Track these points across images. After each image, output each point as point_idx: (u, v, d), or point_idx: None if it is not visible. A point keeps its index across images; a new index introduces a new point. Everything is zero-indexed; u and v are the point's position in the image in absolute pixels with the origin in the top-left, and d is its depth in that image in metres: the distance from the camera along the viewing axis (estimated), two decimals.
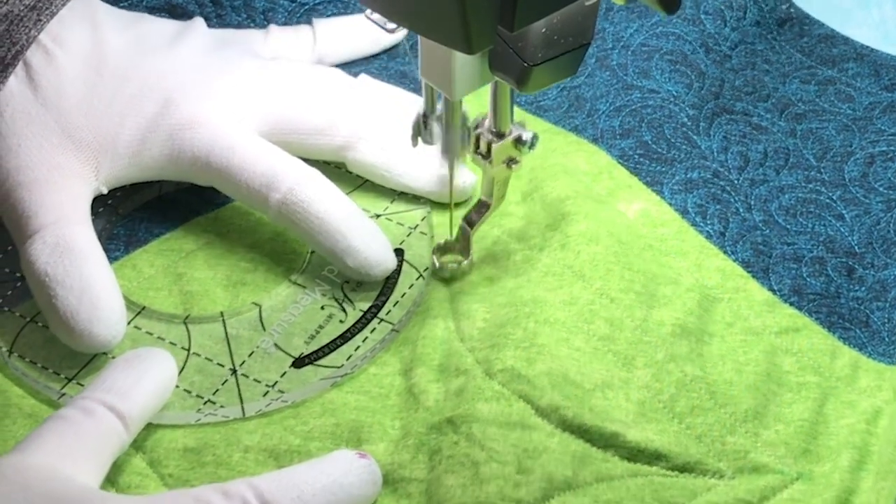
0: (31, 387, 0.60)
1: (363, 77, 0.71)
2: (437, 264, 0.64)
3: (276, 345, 0.61)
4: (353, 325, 0.62)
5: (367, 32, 0.75)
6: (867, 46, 0.78)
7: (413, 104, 0.68)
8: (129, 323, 0.61)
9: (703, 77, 0.75)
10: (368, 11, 0.55)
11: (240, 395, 0.59)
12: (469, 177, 0.66)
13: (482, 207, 0.63)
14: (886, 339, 0.63)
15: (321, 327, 0.62)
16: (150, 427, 0.58)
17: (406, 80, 0.73)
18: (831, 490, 0.56)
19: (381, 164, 0.67)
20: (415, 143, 0.61)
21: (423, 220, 0.66)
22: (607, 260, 0.63)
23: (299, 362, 0.60)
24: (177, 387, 0.59)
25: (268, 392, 0.59)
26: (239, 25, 0.76)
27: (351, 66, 0.74)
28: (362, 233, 0.62)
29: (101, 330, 0.59)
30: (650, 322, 0.62)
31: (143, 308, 0.63)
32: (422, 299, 0.63)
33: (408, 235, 0.66)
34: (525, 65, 0.53)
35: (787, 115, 0.73)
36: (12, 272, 0.64)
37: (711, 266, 0.65)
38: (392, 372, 0.61)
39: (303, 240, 0.63)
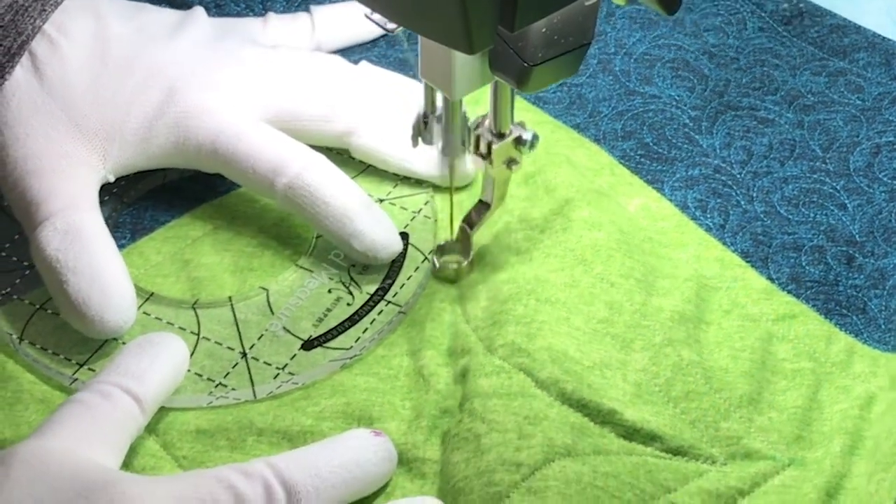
0: (43, 373, 0.60)
1: (364, 64, 0.71)
2: (437, 265, 0.64)
3: (284, 328, 0.62)
4: (361, 308, 0.62)
5: (365, 19, 0.75)
6: (879, 35, 0.78)
7: (413, 90, 0.69)
8: (138, 309, 0.62)
9: (707, 80, 0.75)
10: (369, 11, 0.55)
11: (250, 377, 0.60)
12: (472, 164, 0.67)
13: (482, 208, 0.63)
14: (883, 326, 0.63)
15: (329, 310, 0.63)
16: (161, 410, 0.59)
17: (406, 67, 0.74)
18: (822, 476, 0.56)
19: (383, 150, 0.67)
20: (415, 144, 0.61)
21: (426, 203, 0.67)
22: (609, 246, 0.64)
23: (308, 345, 0.61)
24: (188, 371, 0.60)
25: (278, 374, 0.60)
26: (238, 14, 0.77)
27: (350, 54, 0.74)
28: (369, 217, 0.63)
29: (112, 316, 0.59)
30: (649, 307, 0.62)
31: (152, 294, 0.63)
32: (427, 281, 0.64)
33: (412, 219, 0.66)
34: (525, 65, 0.53)
35: (796, 107, 0.74)
36: (20, 261, 0.64)
37: (710, 257, 0.66)
38: (400, 353, 0.62)
39: (309, 224, 0.64)
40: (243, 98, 0.65)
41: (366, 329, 0.62)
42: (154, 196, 0.69)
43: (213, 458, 0.57)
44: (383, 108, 0.68)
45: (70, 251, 0.60)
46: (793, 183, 0.70)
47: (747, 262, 0.66)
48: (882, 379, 0.61)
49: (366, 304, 0.63)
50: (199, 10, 0.69)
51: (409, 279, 0.64)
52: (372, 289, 0.63)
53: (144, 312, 0.62)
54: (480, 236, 0.65)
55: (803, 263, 0.66)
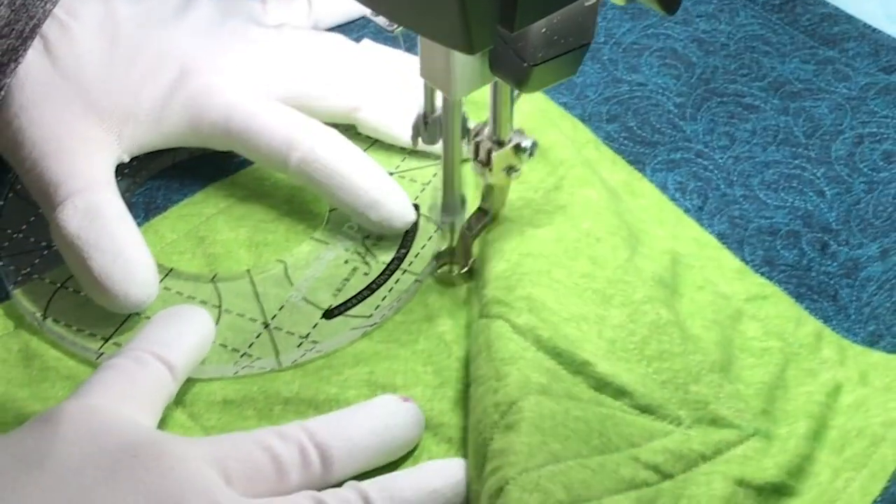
0: (68, 349, 0.61)
1: (366, 42, 0.73)
2: (437, 271, 0.65)
3: (304, 299, 0.63)
4: (378, 277, 0.64)
5: None
6: (869, 26, 0.78)
7: (413, 66, 0.70)
8: (159, 284, 0.63)
9: (694, 67, 0.76)
10: (370, 11, 0.55)
11: (275, 346, 0.61)
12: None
13: (481, 215, 0.63)
14: (853, 315, 0.63)
15: (346, 280, 0.64)
16: (187, 382, 0.60)
17: (405, 43, 0.75)
18: (785, 455, 0.57)
19: (391, 124, 0.69)
20: (415, 144, 0.62)
21: (434, 175, 0.68)
22: (598, 203, 0.64)
23: (329, 314, 0.62)
24: (212, 343, 0.61)
25: (301, 343, 0.61)
26: None
27: (349, 32, 0.76)
28: (383, 188, 0.64)
29: (136, 290, 0.60)
30: (632, 264, 0.62)
31: (171, 269, 0.64)
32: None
33: (421, 191, 0.68)
34: (525, 65, 0.53)
35: (782, 94, 0.74)
36: (37, 241, 0.65)
37: (686, 236, 0.67)
38: (418, 319, 0.63)
39: (323, 197, 0.65)
40: (253, 77, 0.67)
41: (384, 297, 0.63)
42: (165, 176, 0.70)
43: (241, 428, 0.58)
44: (389, 84, 0.69)
45: (91, 229, 0.61)
46: (774, 168, 0.70)
47: (723, 243, 0.66)
48: (850, 371, 0.61)
49: (382, 273, 0.64)
50: None
51: (423, 248, 0.65)
52: (388, 258, 0.65)
53: (165, 287, 0.63)
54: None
55: (778, 247, 0.66)
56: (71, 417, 0.52)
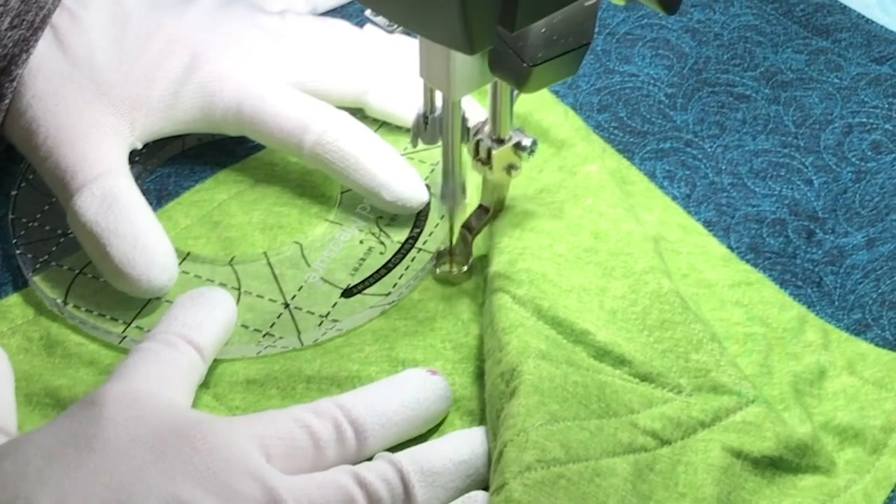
0: (91, 334, 0.62)
1: (368, 27, 0.73)
2: (437, 270, 0.65)
3: (322, 279, 0.64)
4: (394, 257, 0.65)
5: None
6: (863, 16, 0.78)
7: (414, 50, 0.71)
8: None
9: (686, 58, 0.76)
10: (369, 12, 0.56)
11: (296, 326, 0.62)
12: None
13: (482, 213, 0.64)
14: (836, 302, 0.64)
15: (363, 260, 0.65)
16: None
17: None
18: (782, 425, 0.57)
19: (398, 106, 0.70)
20: (415, 144, 0.63)
21: None
22: (600, 178, 0.65)
23: (348, 293, 0.63)
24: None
25: (322, 322, 0.62)
26: None
27: (351, 18, 0.76)
28: (396, 168, 0.65)
29: (157, 274, 0.61)
30: (634, 236, 0.62)
31: (189, 254, 0.65)
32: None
33: (431, 172, 0.69)
34: (525, 65, 0.53)
35: (774, 83, 0.75)
36: (53, 229, 0.66)
37: (673, 223, 0.67)
38: (434, 297, 0.64)
39: (338, 179, 0.66)
40: (263, 62, 0.67)
41: (401, 275, 0.64)
42: (175, 162, 0.70)
43: (266, 407, 0.59)
44: (395, 68, 0.70)
45: (110, 215, 0.61)
46: (762, 156, 0.71)
47: (709, 230, 0.67)
48: (835, 356, 0.62)
49: (398, 252, 0.65)
50: None
51: (436, 227, 0.66)
52: (402, 237, 0.66)
53: (184, 271, 0.64)
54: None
55: (764, 235, 0.67)
56: (115, 400, 0.52)
